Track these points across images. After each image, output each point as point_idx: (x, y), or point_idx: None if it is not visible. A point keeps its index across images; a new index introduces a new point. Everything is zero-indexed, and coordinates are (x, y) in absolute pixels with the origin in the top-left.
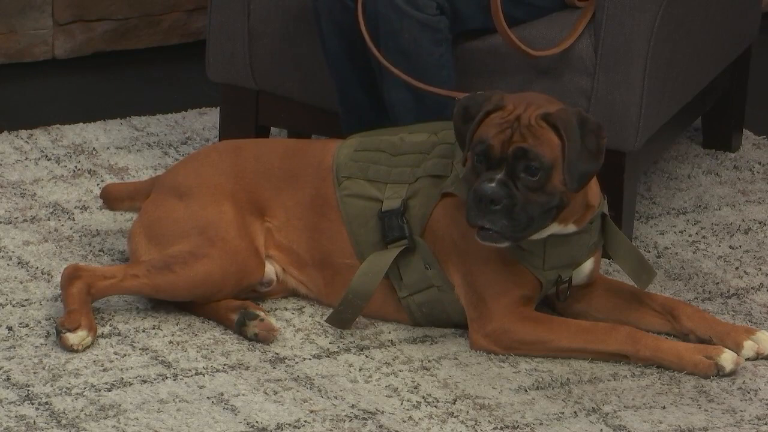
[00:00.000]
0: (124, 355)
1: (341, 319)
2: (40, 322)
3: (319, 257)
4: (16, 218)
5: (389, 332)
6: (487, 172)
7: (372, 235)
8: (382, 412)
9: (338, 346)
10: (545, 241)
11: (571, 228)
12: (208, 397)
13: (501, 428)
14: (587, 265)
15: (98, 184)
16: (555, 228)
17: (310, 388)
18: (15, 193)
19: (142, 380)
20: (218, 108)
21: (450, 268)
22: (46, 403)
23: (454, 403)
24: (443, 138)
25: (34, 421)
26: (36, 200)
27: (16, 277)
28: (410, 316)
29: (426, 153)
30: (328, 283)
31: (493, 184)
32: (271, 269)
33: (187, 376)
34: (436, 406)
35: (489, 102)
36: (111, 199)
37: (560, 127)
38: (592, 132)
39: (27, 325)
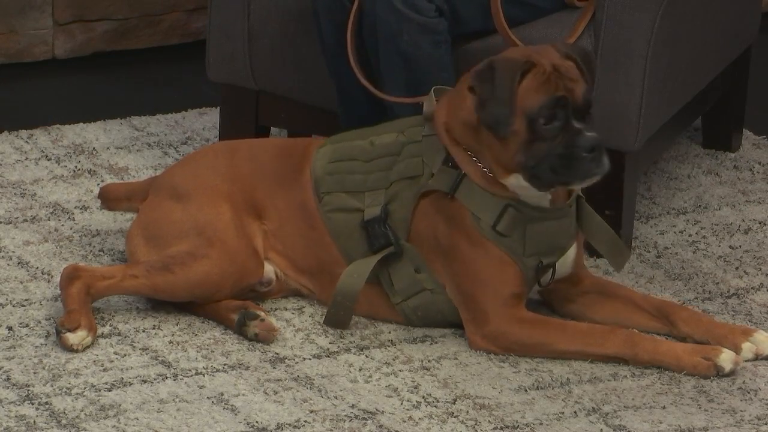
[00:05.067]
0: (124, 355)
1: (336, 321)
2: (40, 322)
3: (313, 264)
4: (16, 218)
5: (389, 332)
6: (567, 125)
7: (359, 245)
8: (382, 412)
9: (338, 346)
10: (525, 227)
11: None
12: (208, 397)
13: (501, 428)
14: (570, 254)
15: (98, 184)
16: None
17: (310, 388)
18: (15, 193)
19: (142, 380)
20: (218, 108)
21: (438, 268)
22: (46, 403)
23: (454, 403)
24: (410, 136)
25: (34, 421)
26: (36, 200)
27: (16, 277)
28: (407, 321)
29: (396, 155)
30: (325, 288)
31: (590, 132)
32: (270, 269)
33: (187, 376)
34: (436, 406)
35: (519, 66)
36: (109, 200)
37: (584, 66)
38: (592, 61)
39: (27, 325)
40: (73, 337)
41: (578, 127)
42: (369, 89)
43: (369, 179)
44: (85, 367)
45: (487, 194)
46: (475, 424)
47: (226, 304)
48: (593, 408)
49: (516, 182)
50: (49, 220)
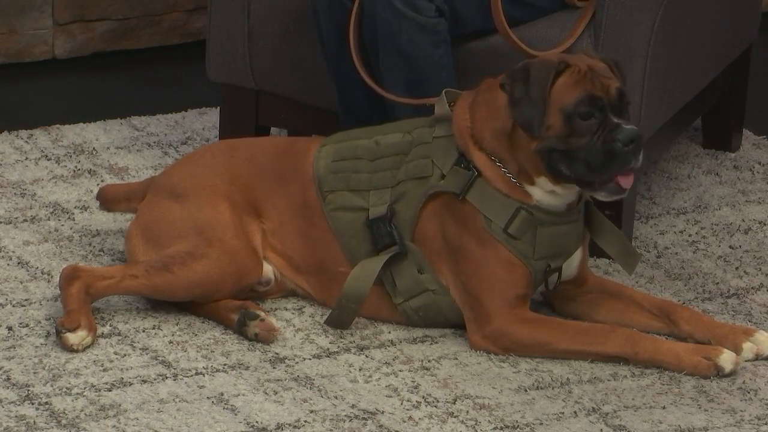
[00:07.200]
0: (124, 355)
1: (339, 322)
2: (40, 322)
3: (313, 264)
4: (16, 218)
5: (389, 332)
6: (606, 121)
7: (364, 244)
8: (382, 412)
9: (338, 346)
10: (536, 230)
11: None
12: (208, 397)
13: (501, 428)
14: (576, 257)
15: (98, 184)
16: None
17: (310, 388)
18: (15, 193)
19: (142, 380)
20: (218, 108)
21: (443, 269)
22: (46, 403)
23: (454, 403)
24: (418, 137)
25: (34, 421)
26: (36, 200)
27: (16, 277)
28: (409, 322)
29: (404, 154)
30: (324, 288)
31: (629, 126)
32: (269, 268)
33: (187, 376)
34: (436, 406)
35: (553, 66)
36: (107, 201)
37: (616, 69)
38: (622, 68)
39: (27, 325)
40: (73, 337)
41: (617, 121)
42: (373, 88)
43: (374, 178)
44: (85, 367)
45: (499, 197)
46: (475, 424)
47: (226, 304)
48: (593, 408)
49: (542, 187)
50: (49, 220)
